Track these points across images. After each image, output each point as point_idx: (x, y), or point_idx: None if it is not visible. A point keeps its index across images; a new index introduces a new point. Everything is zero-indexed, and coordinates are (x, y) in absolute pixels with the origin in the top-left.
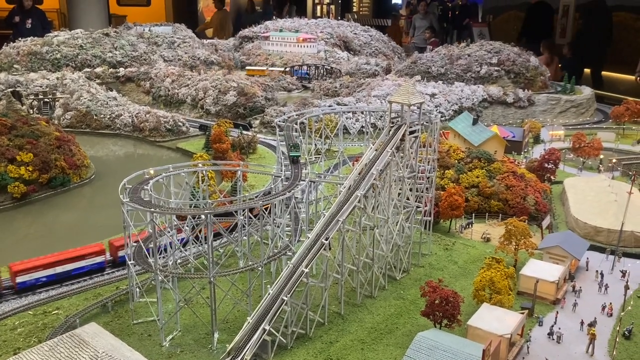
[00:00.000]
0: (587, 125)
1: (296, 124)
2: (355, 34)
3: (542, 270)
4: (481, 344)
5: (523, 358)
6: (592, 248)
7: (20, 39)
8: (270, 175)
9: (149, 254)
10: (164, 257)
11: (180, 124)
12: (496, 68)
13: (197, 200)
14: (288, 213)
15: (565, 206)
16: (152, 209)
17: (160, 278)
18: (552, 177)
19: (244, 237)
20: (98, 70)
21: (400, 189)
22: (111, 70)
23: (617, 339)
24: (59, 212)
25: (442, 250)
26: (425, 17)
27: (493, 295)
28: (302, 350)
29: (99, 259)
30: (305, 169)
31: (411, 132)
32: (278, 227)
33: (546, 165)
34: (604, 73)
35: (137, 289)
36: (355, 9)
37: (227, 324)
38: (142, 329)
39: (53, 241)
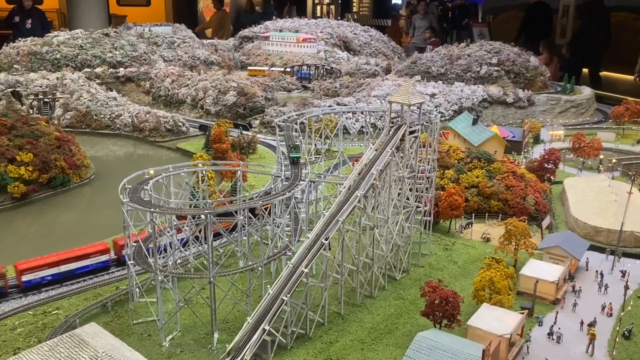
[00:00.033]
0: (587, 125)
1: (296, 124)
2: (355, 34)
3: (542, 271)
4: (481, 344)
5: (523, 358)
6: (592, 248)
7: (20, 39)
8: (270, 175)
9: (148, 254)
10: (163, 257)
11: (180, 124)
12: (496, 68)
13: (197, 200)
14: (288, 213)
15: (565, 206)
16: (152, 209)
17: (160, 278)
18: (552, 177)
19: (244, 237)
20: (98, 70)
21: (400, 189)
22: (111, 70)
23: (617, 339)
24: (59, 212)
25: (441, 250)
26: (425, 17)
27: (493, 296)
28: (302, 350)
29: (103, 258)
30: (305, 169)
31: (411, 132)
32: (278, 227)
33: (546, 165)
34: (603, 73)
35: (137, 289)
36: (355, 9)
37: (227, 324)
38: (142, 329)
39: (53, 241)
